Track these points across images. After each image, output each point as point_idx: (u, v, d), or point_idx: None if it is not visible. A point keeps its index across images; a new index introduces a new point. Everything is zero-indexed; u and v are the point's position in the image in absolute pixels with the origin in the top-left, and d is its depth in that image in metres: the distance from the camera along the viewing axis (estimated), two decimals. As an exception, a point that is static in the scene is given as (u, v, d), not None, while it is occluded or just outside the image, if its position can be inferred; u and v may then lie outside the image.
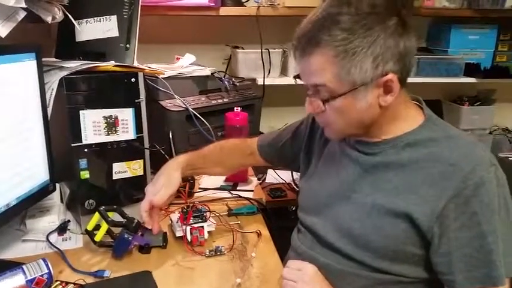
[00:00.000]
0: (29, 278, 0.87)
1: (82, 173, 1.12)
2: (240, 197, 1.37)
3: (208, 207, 1.14)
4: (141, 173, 1.20)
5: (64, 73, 1.07)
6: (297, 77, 0.89)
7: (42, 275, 0.88)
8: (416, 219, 0.81)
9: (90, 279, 0.96)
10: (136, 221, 1.06)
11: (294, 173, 1.64)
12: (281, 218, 1.42)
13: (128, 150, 1.17)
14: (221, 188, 1.43)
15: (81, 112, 1.09)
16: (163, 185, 1.07)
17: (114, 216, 1.07)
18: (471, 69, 2.03)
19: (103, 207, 1.06)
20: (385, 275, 0.86)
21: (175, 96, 1.48)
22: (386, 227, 0.84)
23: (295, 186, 1.63)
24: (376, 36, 0.77)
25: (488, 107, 2.20)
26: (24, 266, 0.88)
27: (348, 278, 0.89)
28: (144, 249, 1.07)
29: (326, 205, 0.96)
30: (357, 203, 0.89)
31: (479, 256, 0.78)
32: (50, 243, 1.09)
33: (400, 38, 0.79)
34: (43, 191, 1.13)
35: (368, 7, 0.78)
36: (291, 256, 1.03)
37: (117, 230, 1.06)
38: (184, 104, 1.47)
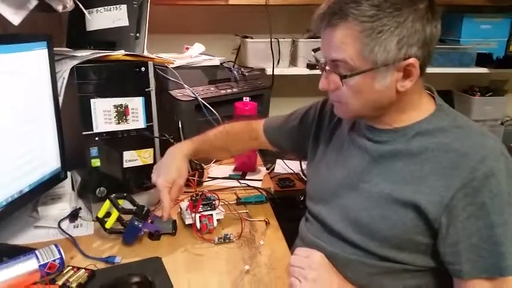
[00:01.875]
0: (42, 262, 0.89)
1: (93, 161, 1.13)
2: (248, 186, 1.38)
3: (217, 196, 1.15)
4: (151, 161, 1.21)
5: (75, 62, 1.08)
6: (316, 50, 0.87)
7: (54, 260, 0.90)
8: (424, 209, 0.80)
9: (101, 265, 0.98)
10: (146, 208, 1.07)
11: (302, 163, 1.64)
12: (289, 207, 1.42)
13: (138, 139, 1.18)
14: (230, 178, 1.44)
15: (92, 101, 1.10)
16: (174, 178, 1.07)
17: (125, 203, 1.09)
18: (483, 59, 2.01)
19: (113, 195, 1.08)
20: (392, 263, 0.86)
21: (185, 85, 1.48)
22: (394, 216, 0.84)
23: (303, 176, 1.63)
24: (405, 17, 0.76)
25: (500, 97, 2.18)
26: (37, 251, 0.90)
27: (355, 266, 0.89)
28: (154, 236, 1.09)
29: (334, 194, 0.96)
30: (365, 192, 0.89)
31: (487, 246, 0.78)
32: (62, 229, 1.11)
33: (428, 24, 0.78)
34: (55, 179, 1.15)
35: None
36: (298, 245, 1.04)
37: (127, 218, 1.07)
38: (194, 94, 1.48)
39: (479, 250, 0.78)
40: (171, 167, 1.08)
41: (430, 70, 2.09)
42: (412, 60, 0.78)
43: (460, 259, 0.80)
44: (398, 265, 0.86)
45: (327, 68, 0.85)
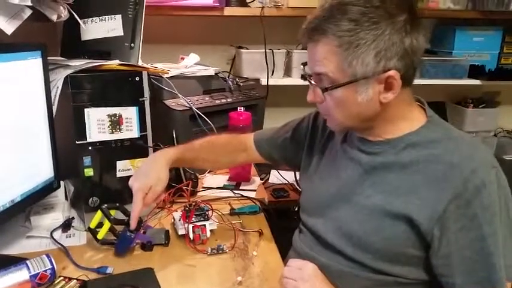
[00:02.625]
0: (33, 273, 0.88)
1: (86, 170, 1.13)
2: (242, 196, 1.38)
3: (211, 206, 1.14)
4: (144, 171, 1.21)
5: (69, 71, 1.08)
6: (304, 64, 0.89)
7: (45, 271, 0.89)
8: (416, 221, 0.81)
9: (92, 276, 0.96)
10: (139, 218, 1.06)
11: (297, 173, 1.64)
12: (283, 218, 1.42)
13: (131, 149, 1.18)
14: (224, 188, 1.43)
15: (85, 110, 1.10)
16: (153, 185, 1.02)
17: (117, 214, 1.08)
18: (476, 71, 2.03)
19: (105, 205, 1.07)
20: (385, 276, 0.86)
21: (180, 95, 1.48)
22: (386, 229, 0.84)
23: (298, 187, 1.63)
24: (382, 30, 0.77)
25: (493, 109, 2.20)
26: (28, 262, 0.89)
27: (348, 278, 0.89)
28: (147, 247, 1.08)
29: (327, 206, 0.96)
30: (358, 204, 0.89)
31: (479, 259, 0.78)
32: (54, 239, 1.10)
33: (407, 36, 0.78)
34: (47, 188, 1.14)
35: (378, 1, 0.78)
36: (291, 256, 1.04)
37: (120, 228, 1.06)
38: (188, 104, 1.48)
39: (472, 262, 0.78)
40: (150, 172, 1.04)
41: (423, 82, 2.12)
42: (392, 72, 0.79)
43: (452, 271, 0.80)
44: (392, 278, 0.86)
45: (312, 81, 0.87)
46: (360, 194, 0.89)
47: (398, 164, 0.86)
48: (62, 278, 0.93)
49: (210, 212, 1.13)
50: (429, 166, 0.82)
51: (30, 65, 1.05)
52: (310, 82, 0.88)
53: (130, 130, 1.17)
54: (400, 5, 0.79)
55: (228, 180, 1.49)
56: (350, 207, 0.90)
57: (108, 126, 1.13)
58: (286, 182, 1.69)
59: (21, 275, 0.87)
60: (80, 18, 1.18)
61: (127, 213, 1.08)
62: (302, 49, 1.90)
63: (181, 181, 1.35)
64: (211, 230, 1.12)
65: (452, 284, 0.80)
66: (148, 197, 1.02)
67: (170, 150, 1.13)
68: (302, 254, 0.99)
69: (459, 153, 0.82)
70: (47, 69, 1.09)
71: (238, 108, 1.50)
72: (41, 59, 1.07)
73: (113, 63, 1.14)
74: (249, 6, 1.84)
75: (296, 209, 1.58)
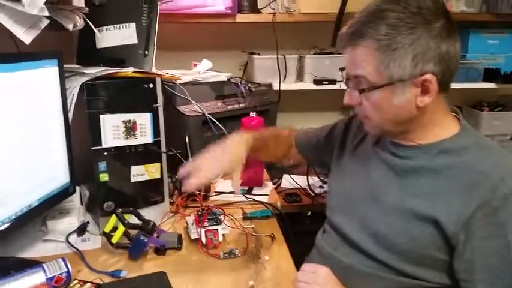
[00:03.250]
0: (49, 276, 0.90)
1: (101, 175, 1.15)
2: (255, 201, 1.38)
3: (223, 211, 1.15)
4: (158, 176, 1.23)
5: (85, 79, 1.10)
6: (342, 69, 0.92)
7: (61, 274, 0.91)
8: (443, 224, 0.81)
9: (107, 279, 0.98)
10: (152, 222, 1.08)
11: (309, 178, 1.64)
12: (296, 222, 1.42)
13: (145, 154, 1.20)
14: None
15: (101, 116, 1.12)
16: (228, 166, 1.03)
17: (131, 218, 1.10)
18: (491, 75, 2.00)
19: (119, 209, 1.09)
20: (407, 278, 0.86)
21: (192, 101, 1.50)
22: (413, 230, 0.85)
23: (310, 192, 1.63)
24: (419, 35, 0.79)
25: (509, 112, 2.16)
26: (44, 265, 0.91)
27: (370, 279, 0.89)
28: (160, 250, 1.09)
29: (355, 205, 0.97)
30: (386, 205, 0.90)
31: (503, 267, 0.78)
32: (70, 243, 1.12)
33: (443, 42, 0.81)
34: (63, 193, 1.17)
35: (416, 8, 0.80)
36: (314, 255, 1.05)
37: (133, 232, 1.08)
38: (201, 109, 1.50)
39: (495, 270, 0.78)
40: (225, 154, 1.05)
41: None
42: (428, 76, 0.81)
43: (473, 277, 0.80)
44: (415, 281, 0.86)
45: (350, 84, 0.89)
46: (389, 195, 0.90)
47: (430, 168, 0.87)
48: (76, 281, 0.95)
49: (222, 217, 1.14)
50: (460, 172, 0.83)
51: (47, 73, 1.07)
52: (347, 85, 0.90)
53: (144, 136, 1.19)
54: (436, 12, 0.81)
55: (241, 185, 1.49)
56: (378, 207, 0.91)
57: (123, 132, 1.15)
58: (299, 186, 1.69)
59: (37, 277, 0.89)
60: (95, 27, 1.20)
61: (141, 218, 1.10)
62: (314, 54, 1.91)
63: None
64: (223, 235, 1.13)
65: None
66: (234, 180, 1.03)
67: (245, 137, 1.12)
68: (325, 254, 1.00)
69: (489, 161, 0.83)
70: (63, 77, 1.12)
71: (251, 113, 1.51)
72: (57, 67, 1.10)
73: (128, 71, 1.16)
74: (261, 12, 1.85)
75: (309, 214, 1.58)
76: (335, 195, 1.07)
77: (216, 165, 1.03)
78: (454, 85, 1.91)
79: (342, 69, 0.92)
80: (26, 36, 0.94)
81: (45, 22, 0.97)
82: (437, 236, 0.82)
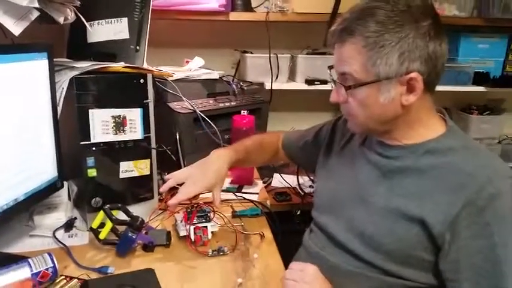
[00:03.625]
0: (35, 271, 0.89)
1: (89, 171, 1.14)
2: (244, 199, 1.38)
3: (213, 208, 1.15)
4: (147, 172, 1.22)
5: (74, 73, 1.09)
6: (330, 67, 0.92)
7: (47, 269, 0.90)
8: (429, 224, 0.81)
9: (94, 275, 0.97)
10: (140, 219, 1.07)
11: (299, 177, 1.64)
12: (285, 221, 1.42)
13: (135, 150, 1.19)
14: (226, 190, 1.44)
15: (90, 111, 1.11)
16: (209, 182, 1.06)
17: (119, 214, 1.09)
18: (480, 78, 2.02)
19: (108, 205, 1.08)
20: (394, 278, 0.87)
21: (184, 98, 1.49)
22: (399, 231, 0.85)
23: (300, 191, 1.63)
24: (407, 33, 0.80)
25: (497, 116, 2.19)
26: (30, 260, 0.90)
27: (357, 278, 0.90)
28: (148, 247, 1.09)
29: (341, 205, 0.97)
30: (373, 205, 0.90)
31: (488, 267, 0.78)
32: (56, 239, 1.11)
33: (430, 41, 0.81)
34: (51, 188, 1.15)
35: (404, 6, 0.81)
36: (301, 255, 1.05)
37: (121, 228, 1.07)
38: (192, 107, 1.49)
39: (480, 270, 0.79)
40: (209, 173, 1.07)
41: (427, 88, 2.07)
42: (414, 74, 0.81)
43: (459, 277, 0.80)
44: (400, 280, 0.86)
45: (337, 81, 0.90)
46: (375, 195, 0.91)
47: (415, 169, 0.87)
48: (63, 277, 0.94)
49: (211, 214, 1.13)
50: (446, 173, 0.84)
51: (36, 66, 1.06)
52: (334, 82, 0.91)
53: (134, 132, 1.18)
54: (425, 12, 0.82)
55: (231, 183, 1.50)
56: (365, 208, 0.92)
57: (112, 128, 1.14)
58: (289, 185, 1.69)
59: (23, 272, 0.88)
60: (87, 21, 1.19)
61: (129, 214, 1.09)
62: (306, 54, 1.91)
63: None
64: (212, 232, 1.13)
65: None
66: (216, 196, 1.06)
67: (229, 151, 1.14)
68: (312, 253, 1.00)
69: (476, 162, 0.84)
70: (53, 70, 1.11)
71: (242, 111, 1.51)
72: (47, 60, 1.09)
73: (118, 66, 1.15)
74: (255, 11, 1.85)
75: (298, 213, 1.58)
76: (321, 196, 1.07)
77: (199, 183, 1.05)
78: (443, 88, 1.97)
79: (330, 67, 0.92)
80: (15, 28, 0.93)
81: (35, 14, 0.96)
82: (424, 236, 0.83)
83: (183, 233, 1.12)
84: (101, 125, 1.13)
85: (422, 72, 0.82)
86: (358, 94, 0.86)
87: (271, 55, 1.86)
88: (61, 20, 1.09)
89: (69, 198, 1.26)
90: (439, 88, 2.10)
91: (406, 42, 0.80)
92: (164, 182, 1.35)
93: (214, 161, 1.10)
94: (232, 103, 1.63)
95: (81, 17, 1.17)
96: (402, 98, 0.84)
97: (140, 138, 1.19)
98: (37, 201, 1.13)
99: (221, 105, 1.59)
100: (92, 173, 1.14)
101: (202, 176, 1.07)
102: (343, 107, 0.92)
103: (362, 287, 0.89)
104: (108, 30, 1.25)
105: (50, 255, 0.93)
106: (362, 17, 0.82)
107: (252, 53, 1.93)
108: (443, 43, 0.84)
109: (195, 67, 1.67)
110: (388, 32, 0.80)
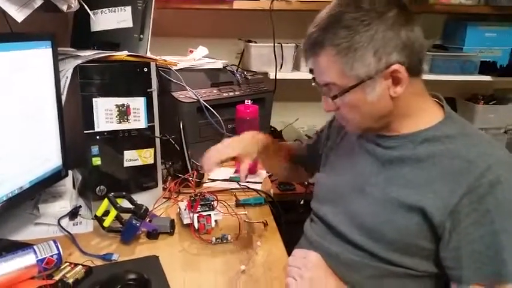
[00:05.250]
0: (40, 257, 0.89)
1: (94, 159, 1.14)
2: (248, 188, 1.38)
3: (216, 197, 1.15)
4: (151, 161, 1.23)
5: (78, 61, 1.09)
6: (311, 72, 0.93)
7: (52, 256, 0.91)
8: (429, 213, 0.81)
9: (98, 262, 0.98)
10: (144, 207, 1.08)
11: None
12: (289, 210, 1.43)
13: (139, 139, 1.19)
14: (230, 180, 1.44)
15: (94, 100, 1.11)
16: (243, 149, 1.10)
17: (124, 202, 1.10)
18: (487, 68, 2.00)
19: (112, 193, 1.09)
20: (395, 267, 0.87)
21: (187, 87, 1.49)
22: (399, 220, 0.85)
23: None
24: (376, 30, 0.80)
25: (504, 106, 2.17)
26: (35, 247, 0.91)
27: (358, 267, 0.90)
28: (152, 235, 1.09)
29: (340, 196, 0.97)
30: (372, 195, 0.90)
31: (489, 253, 0.78)
32: (61, 227, 1.12)
33: (401, 28, 0.81)
34: (55, 176, 1.16)
35: (368, 4, 0.81)
36: (302, 244, 1.05)
37: (126, 216, 1.08)
38: (196, 96, 1.49)
39: (481, 257, 0.78)
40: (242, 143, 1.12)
41: (433, 77, 2.08)
42: (395, 66, 0.81)
43: (460, 264, 0.80)
44: (401, 269, 0.86)
45: (323, 91, 0.90)
46: (375, 185, 0.91)
47: (414, 157, 0.87)
48: (67, 263, 0.95)
49: (215, 203, 1.14)
50: (445, 161, 0.83)
51: (40, 55, 1.06)
52: (322, 93, 0.91)
53: (138, 120, 1.18)
54: (388, 2, 0.82)
55: (235, 173, 1.50)
56: (364, 198, 0.92)
57: (116, 116, 1.15)
58: (293, 175, 1.69)
59: (28, 259, 0.88)
60: (90, 9, 1.19)
61: (133, 202, 1.10)
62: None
63: (187, 171, 1.36)
64: (216, 220, 1.13)
65: (460, 277, 0.80)
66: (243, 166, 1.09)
67: (260, 133, 1.18)
68: (313, 242, 1.00)
69: (476, 149, 0.83)
70: (57, 59, 1.11)
71: (246, 101, 1.51)
72: (51, 49, 1.09)
73: (122, 54, 1.15)
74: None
75: (302, 202, 1.58)
76: (321, 186, 1.08)
77: (234, 146, 1.09)
78: (449, 77, 1.95)
79: (313, 79, 0.92)
80: (18, 15, 0.93)
81: (39, 2, 0.96)
82: (424, 225, 0.82)
83: (186, 221, 1.12)
84: (105, 113, 1.13)
85: (403, 61, 0.81)
86: (346, 100, 0.86)
87: (275, 44, 1.85)
88: (64, 8, 1.09)
89: (74, 187, 1.27)
90: (444, 77, 2.08)
91: (377, 38, 0.80)
92: (168, 170, 1.37)
93: (249, 136, 1.14)
94: (236, 93, 1.63)
95: (85, 5, 1.17)
96: (390, 91, 0.84)
97: (144, 127, 1.19)
98: (42, 189, 1.15)
99: (225, 94, 1.59)
100: (97, 161, 1.15)
101: (238, 143, 1.11)
102: (337, 114, 0.93)
103: (363, 275, 0.89)
104: (111, 18, 1.24)
105: (54, 242, 0.94)
106: (329, 25, 0.82)
107: (256, 42, 1.93)
108: (415, 27, 0.83)
109: (199, 56, 1.66)
110: (357, 33, 0.80)
